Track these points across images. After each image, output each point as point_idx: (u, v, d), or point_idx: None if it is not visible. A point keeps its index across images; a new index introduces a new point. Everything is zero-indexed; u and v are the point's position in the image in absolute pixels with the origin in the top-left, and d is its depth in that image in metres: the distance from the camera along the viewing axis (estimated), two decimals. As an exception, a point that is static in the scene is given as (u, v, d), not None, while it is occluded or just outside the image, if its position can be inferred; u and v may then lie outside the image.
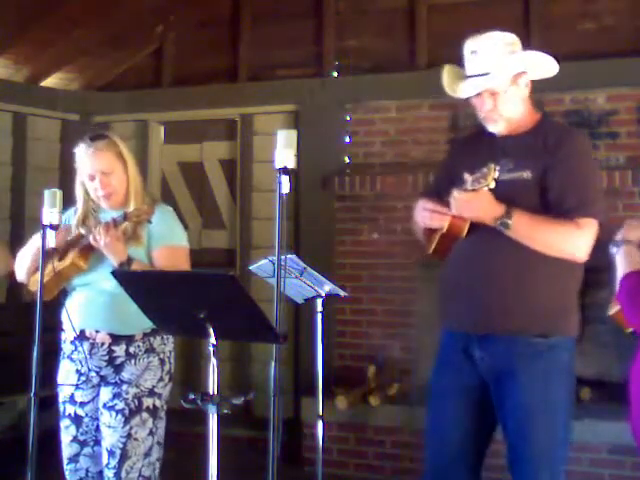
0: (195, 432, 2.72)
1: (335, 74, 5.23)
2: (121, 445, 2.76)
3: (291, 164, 2.29)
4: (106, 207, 2.92)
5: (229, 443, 2.72)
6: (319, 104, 5.08)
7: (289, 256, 3.08)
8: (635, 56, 4.49)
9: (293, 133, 2.33)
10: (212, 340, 2.23)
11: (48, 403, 2.90)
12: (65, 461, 2.90)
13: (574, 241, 2.53)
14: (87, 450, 2.88)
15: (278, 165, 2.29)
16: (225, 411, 2.24)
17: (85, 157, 2.88)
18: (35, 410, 2.56)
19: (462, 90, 2.63)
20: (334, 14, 5.27)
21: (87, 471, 2.88)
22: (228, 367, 5.18)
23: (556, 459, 2.57)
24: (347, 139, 5.07)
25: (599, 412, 4.09)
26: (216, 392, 2.23)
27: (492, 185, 2.51)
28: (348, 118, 5.08)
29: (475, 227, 2.58)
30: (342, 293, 3.37)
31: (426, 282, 4.48)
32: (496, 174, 2.53)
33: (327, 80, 5.20)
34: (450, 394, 2.69)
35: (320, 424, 3.37)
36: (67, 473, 2.89)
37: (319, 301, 3.32)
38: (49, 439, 2.91)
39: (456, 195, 2.55)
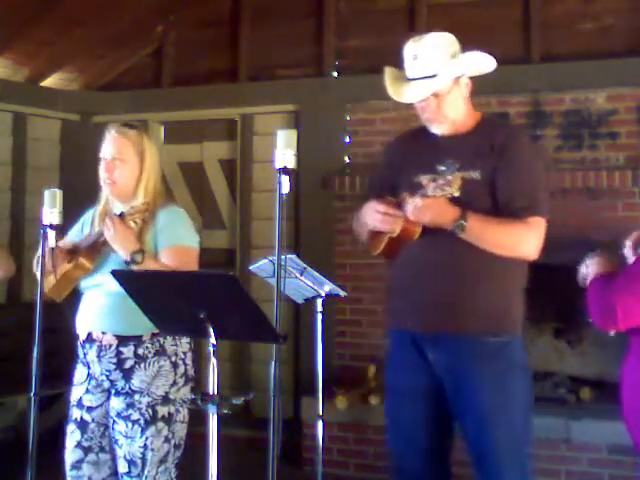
0: (195, 432, 2.71)
1: (335, 74, 5.23)
2: (140, 455, 2.71)
3: (291, 164, 2.29)
4: (112, 197, 2.88)
5: (229, 443, 2.72)
6: (319, 104, 5.08)
7: (289, 256, 3.08)
8: (635, 56, 4.49)
9: (293, 133, 2.33)
10: (212, 340, 2.23)
11: (48, 403, 2.90)
12: (68, 467, 2.82)
13: (527, 241, 2.57)
14: (91, 457, 2.80)
15: (278, 165, 2.29)
16: (225, 411, 2.24)
17: (107, 139, 2.87)
18: (35, 410, 2.56)
19: (407, 95, 2.62)
20: (334, 14, 5.27)
21: (89, 479, 2.80)
22: (228, 367, 5.18)
23: (521, 455, 2.59)
24: (347, 139, 5.07)
25: (599, 412, 4.09)
26: (216, 392, 2.23)
27: (457, 194, 2.45)
28: (348, 118, 5.08)
29: (425, 229, 2.55)
30: (342, 293, 3.37)
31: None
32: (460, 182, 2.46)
33: (327, 80, 5.20)
34: (408, 394, 2.69)
35: (320, 424, 3.37)
36: (69, 479, 2.84)
37: (319, 301, 3.31)
38: (49, 439, 2.91)
39: (417, 202, 2.49)
